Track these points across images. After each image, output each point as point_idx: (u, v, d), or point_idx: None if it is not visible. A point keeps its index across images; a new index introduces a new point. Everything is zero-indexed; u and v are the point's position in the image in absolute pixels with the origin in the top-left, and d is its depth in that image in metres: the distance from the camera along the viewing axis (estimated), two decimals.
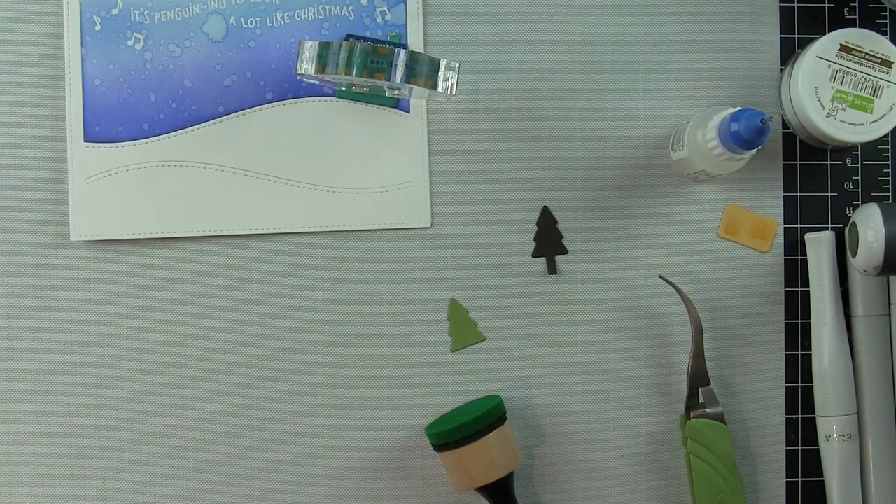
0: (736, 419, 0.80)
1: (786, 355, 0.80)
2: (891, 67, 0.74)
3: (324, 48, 0.73)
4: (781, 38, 0.80)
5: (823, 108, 0.74)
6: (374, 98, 0.79)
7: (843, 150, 0.80)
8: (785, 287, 0.80)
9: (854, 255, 0.75)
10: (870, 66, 0.74)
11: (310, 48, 0.73)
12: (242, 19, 0.79)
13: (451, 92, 0.74)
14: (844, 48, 0.74)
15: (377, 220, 0.79)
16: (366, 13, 0.79)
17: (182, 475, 0.79)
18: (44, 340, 0.79)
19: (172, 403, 0.79)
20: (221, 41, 0.79)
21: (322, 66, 0.73)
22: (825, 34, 0.75)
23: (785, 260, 0.80)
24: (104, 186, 0.79)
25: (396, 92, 0.78)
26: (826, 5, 0.80)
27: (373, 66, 0.73)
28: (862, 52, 0.74)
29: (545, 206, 0.80)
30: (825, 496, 0.79)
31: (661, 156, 0.80)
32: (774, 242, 0.80)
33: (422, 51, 0.79)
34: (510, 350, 0.80)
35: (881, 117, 0.74)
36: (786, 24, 0.80)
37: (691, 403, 0.78)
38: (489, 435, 0.75)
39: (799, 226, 0.80)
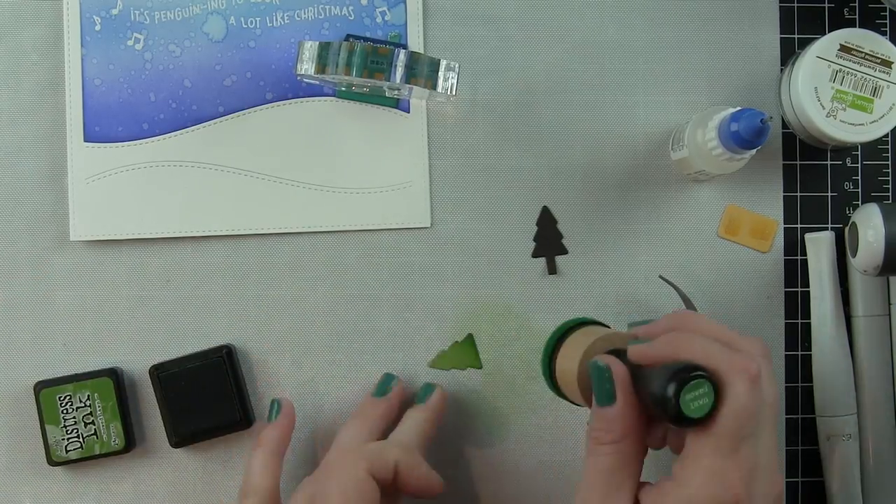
0: None
1: (786, 355, 0.80)
2: (891, 67, 0.74)
3: (324, 48, 0.73)
4: (781, 38, 0.80)
5: (823, 108, 0.74)
6: (374, 98, 0.79)
7: (843, 150, 0.80)
8: (785, 287, 0.80)
9: (854, 255, 0.75)
10: (870, 67, 0.74)
11: (310, 48, 0.73)
12: (242, 19, 0.79)
13: (450, 92, 0.74)
14: (844, 48, 0.74)
15: (377, 220, 0.79)
16: (366, 13, 0.79)
17: (182, 475, 0.79)
18: (44, 340, 0.79)
19: None
20: (221, 41, 0.79)
21: (322, 66, 0.73)
22: (825, 34, 0.75)
23: (785, 260, 0.80)
24: (104, 186, 0.78)
25: (396, 92, 0.78)
26: (826, 5, 0.80)
27: (373, 67, 0.73)
28: (862, 52, 0.74)
29: (545, 206, 0.80)
30: (825, 496, 0.79)
31: (661, 156, 0.80)
32: (774, 242, 0.80)
33: (422, 51, 0.79)
34: None
35: (881, 117, 0.74)
36: (786, 24, 0.80)
37: None
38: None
39: (799, 226, 0.80)
